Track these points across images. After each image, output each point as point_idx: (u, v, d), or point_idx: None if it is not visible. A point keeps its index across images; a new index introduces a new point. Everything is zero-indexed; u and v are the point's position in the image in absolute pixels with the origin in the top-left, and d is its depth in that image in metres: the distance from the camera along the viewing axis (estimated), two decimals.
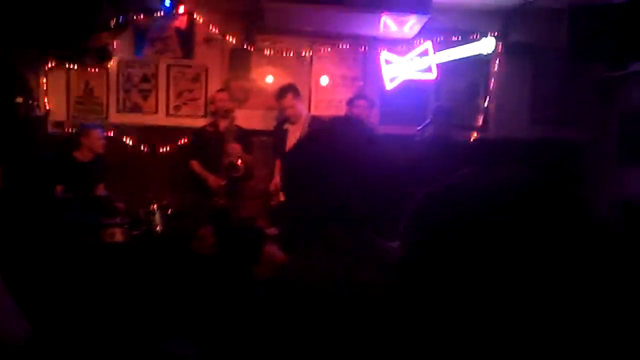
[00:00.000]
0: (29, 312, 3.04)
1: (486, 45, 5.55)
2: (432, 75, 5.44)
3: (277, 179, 5.04)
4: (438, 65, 5.43)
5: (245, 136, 5.14)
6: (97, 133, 4.86)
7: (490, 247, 0.63)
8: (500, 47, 5.68)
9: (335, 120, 2.24)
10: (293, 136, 5.00)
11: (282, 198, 4.99)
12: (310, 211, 1.44)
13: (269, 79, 5.61)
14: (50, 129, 5.30)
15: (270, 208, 5.10)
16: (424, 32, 5.21)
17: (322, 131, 1.56)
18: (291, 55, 5.59)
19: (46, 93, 5.37)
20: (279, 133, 5.13)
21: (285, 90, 4.99)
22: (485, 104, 5.79)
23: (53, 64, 5.31)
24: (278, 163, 5.13)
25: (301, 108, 5.07)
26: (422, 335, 0.68)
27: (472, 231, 0.64)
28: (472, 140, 5.77)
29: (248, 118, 5.42)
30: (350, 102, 5.14)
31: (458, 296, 0.64)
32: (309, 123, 5.01)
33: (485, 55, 5.64)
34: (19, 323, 2.96)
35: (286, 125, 5.07)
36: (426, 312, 0.68)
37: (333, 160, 1.40)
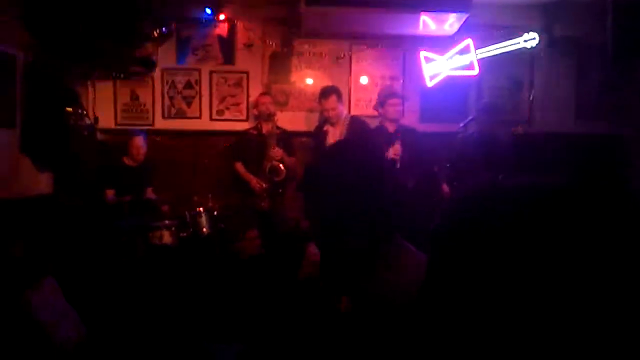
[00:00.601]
0: (82, 314, 3.18)
1: (529, 40, 5.44)
2: (474, 72, 5.36)
3: None
4: (479, 61, 5.36)
5: (287, 138, 5.22)
6: (138, 140, 5.00)
7: (517, 251, 0.63)
8: (543, 41, 5.56)
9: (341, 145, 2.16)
10: (332, 137, 5.02)
11: None
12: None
13: (309, 80, 5.67)
14: (99, 136, 5.50)
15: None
16: (465, 29, 5.15)
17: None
18: (330, 57, 5.62)
19: (94, 102, 5.58)
20: (319, 134, 5.18)
21: (328, 92, 5.00)
22: (530, 99, 5.68)
23: (100, 74, 5.51)
24: None
25: (342, 109, 5.09)
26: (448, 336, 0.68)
27: (502, 235, 0.65)
28: (517, 135, 5.67)
29: (289, 120, 5.50)
30: (380, 102, 5.00)
31: (487, 297, 0.64)
32: (349, 123, 5.02)
33: (529, 50, 5.54)
34: (75, 325, 3.10)
35: (326, 127, 5.10)
36: (454, 312, 0.68)
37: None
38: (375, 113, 5.46)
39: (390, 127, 4.83)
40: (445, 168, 4.65)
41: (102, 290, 3.67)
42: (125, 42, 4.19)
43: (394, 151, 4.60)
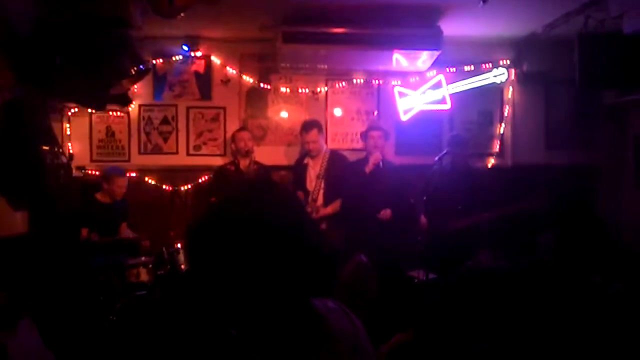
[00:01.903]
0: (59, 356, 3.10)
1: (499, 74, 5.64)
2: (446, 106, 5.52)
3: None
4: (452, 96, 5.51)
5: (264, 172, 5.24)
6: (120, 180, 4.96)
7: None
8: (513, 75, 5.76)
9: None
10: (313, 170, 5.10)
11: None
12: None
13: (285, 115, 5.73)
14: (74, 172, 5.44)
15: None
16: (437, 64, 5.30)
17: None
18: (306, 91, 5.71)
19: (69, 138, 5.54)
20: (299, 167, 5.23)
21: (310, 126, 5.08)
22: (501, 132, 5.84)
23: (76, 110, 5.49)
24: (300, 196, 5.22)
25: (322, 143, 5.16)
26: None
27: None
28: (489, 167, 5.81)
29: (267, 154, 5.54)
30: (364, 134, 5.21)
31: None
32: (329, 157, 5.09)
33: (499, 84, 5.72)
34: (45, 356, 3.01)
35: (307, 160, 5.16)
36: None
37: None
38: (353, 146, 5.58)
39: (369, 168, 4.94)
40: (422, 201, 4.73)
41: (80, 331, 3.60)
42: (104, 78, 4.19)
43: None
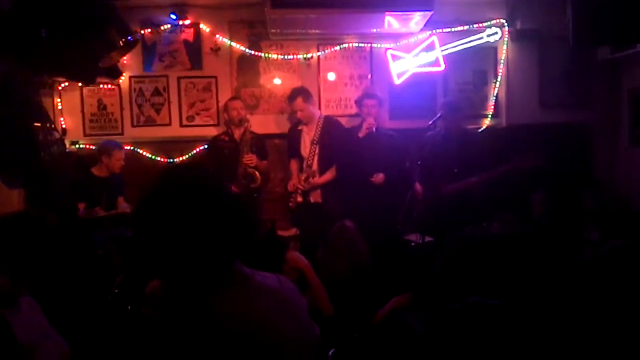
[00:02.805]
0: (63, 332, 3.15)
1: (492, 33, 5.57)
2: (440, 68, 5.47)
3: (294, 179, 5.12)
4: (445, 57, 5.46)
5: (259, 142, 5.22)
6: (118, 153, 4.96)
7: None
8: (506, 34, 5.69)
9: None
10: (307, 136, 5.10)
11: (299, 199, 5.05)
12: None
13: (278, 82, 5.67)
14: (68, 148, 5.42)
15: (289, 209, 5.19)
16: (429, 25, 5.23)
17: None
18: (298, 58, 5.64)
19: (61, 113, 5.50)
20: (293, 134, 5.22)
21: (294, 95, 5.06)
22: (495, 92, 5.80)
23: (66, 85, 5.43)
24: (293, 163, 5.23)
25: (312, 110, 5.13)
26: None
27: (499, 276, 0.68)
28: (484, 128, 5.80)
29: (261, 123, 5.51)
30: (358, 102, 5.19)
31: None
32: (323, 123, 5.07)
33: (492, 44, 5.66)
34: (56, 345, 3.07)
35: (300, 126, 5.15)
36: None
37: None
38: (346, 112, 5.55)
39: (362, 133, 4.93)
40: (416, 166, 4.73)
41: (81, 306, 3.64)
42: (91, 51, 4.12)
43: (377, 179, 4.87)
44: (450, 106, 4.95)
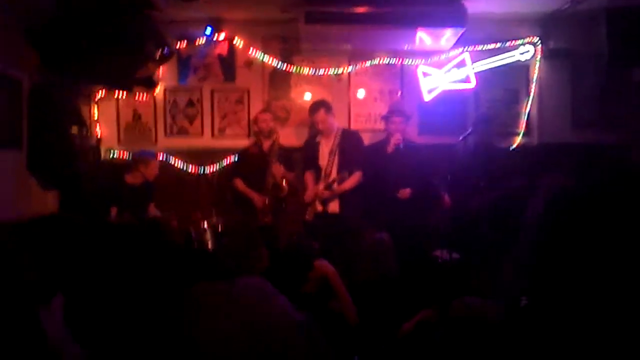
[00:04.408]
0: (88, 338, 3.19)
1: (524, 52, 5.55)
2: (471, 85, 5.46)
3: (310, 190, 5.09)
4: (477, 74, 5.45)
5: (287, 154, 5.27)
6: (155, 163, 5.10)
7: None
8: (539, 52, 5.66)
9: None
10: (326, 147, 5.09)
11: (319, 207, 5.03)
12: None
13: (308, 96, 5.73)
14: (103, 155, 5.57)
15: (306, 222, 5.10)
16: (461, 42, 5.24)
17: None
18: (328, 72, 5.70)
19: (97, 122, 5.65)
20: (311, 146, 5.21)
21: (317, 106, 5.08)
22: (527, 110, 5.75)
23: (103, 94, 5.60)
24: (309, 175, 5.17)
25: (332, 121, 5.13)
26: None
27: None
28: (515, 146, 5.75)
29: (290, 135, 5.58)
30: (386, 118, 5.18)
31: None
32: (341, 135, 5.09)
33: (524, 62, 5.64)
34: (72, 348, 3.09)
35: (318, 138, 5.17)
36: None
37: None
38: (376, 127, 5.57)
39: (390, 148, 4.94)
40: (445, 179, 4.72)
41: (111, 311, 3.69)
42: (129, 62, 4.26)
43: (403, 194, 4.86)
44: (481, 119, 4.94)
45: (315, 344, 1.98)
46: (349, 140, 5.08)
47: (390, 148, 4.93)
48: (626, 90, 5.61)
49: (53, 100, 4.11)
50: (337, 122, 5.25)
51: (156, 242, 4.50)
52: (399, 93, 5.75)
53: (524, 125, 5.76)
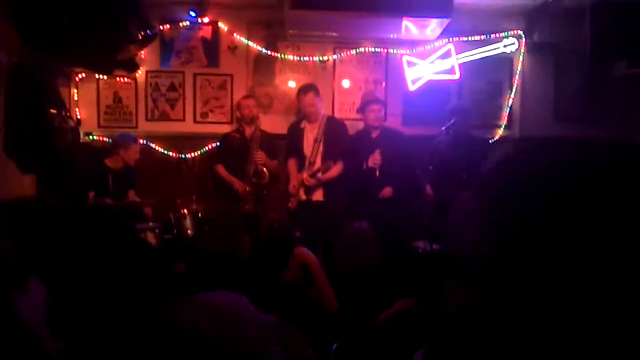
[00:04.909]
0: (67, 321, 3.16)
1: (509, 44, 5.57)
2: (455, 76, 5.47)
3: (293, 180, 5.06)
4: (460, 66, 5.46)
5: (270, 141, 5.23)
6: (135, 147, 5.02)
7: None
8: (523, 45, 5.69)
9: None
10: (310, 134, 5.05)
11: (303, 196, 5.00)
12: None
13: (292, 84, 5.69)
14: (81, 138, 5.47)
15: (289, 210, 5.09)
16: (446, 33, 5.24)
17: None
18: (313, 60, 5.67)
19: (77, 104, 5.55)
20: (295, 131, 5.16)
21: (307, 88, 5.05)
22: (509, 103, 5.79)
23: (83, 76, 5.49)
24: (292, 163, 5.14)
25: (320, 106, 5.09)
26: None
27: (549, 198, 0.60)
28: (496, 138, 5.78)
29: (273, 123, 5.53)
30: (362, 108, 5.13)
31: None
32: (326, 123, 5.06)
33: (508, 54, 5.66)
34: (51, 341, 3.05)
35: (303, 124, 5.13)
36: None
37: None
38: (359, 116, 5.55)
39: (374, 133, 4.95)
40: (428, 171, 4.73)
41: (87, 294, 3.65)
42: (111, 42, 4.17)
43: (373, 160, 4.75)
44: (460, 109, 4.94)
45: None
46: (334, 128, 5.06)
47: (375, 134, 4.96)
48: (607, 85, 5.69)
49: (32, 80, 4.02)
50: (324, 109, 5.23)
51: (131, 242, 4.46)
52: (383, 84, 5.74)
53: (505, 118, 5.80)
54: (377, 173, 4.81)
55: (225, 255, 3.42)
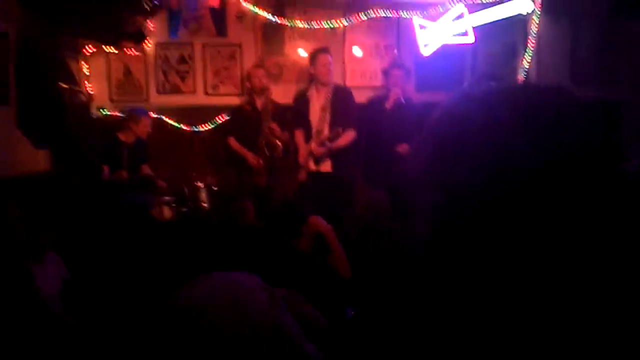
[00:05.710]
0: (87, 295, 3.20)
1: (523, 4, 5.41)
2: (469, 39, 5.33)
3: (302, 150, 4.96)
4: (474, 28, 5.33)
5: (281, 112, 5.14)
6: (146, 120, 5.02)
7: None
8: (538, 6, 5.52)
9: None
10: (317, 102, 4.92)
11: (312, 167, 4.90)
12: None
13: (302, 52, 5.60)
14: (93, 113, 5.47)
15: (299, 182, 4.97)
16: None
17: None
18: (323, 26, 5.55)
19: (88, 78, 5.53)
20: (301, 100, 5.02)
21: (323, 51, 4.93)
22: (525, 65, 5.66)
23: (93, 49, 5.45)
24: (299, 134, 5.01)
25: (333, 72, 4.98)
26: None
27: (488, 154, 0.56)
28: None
29: (283, 93, 5.44)
30: (385, 72, 5.11)
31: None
32: (333, 89, 4.94)
33: (523, 16, 5.50)
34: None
35: (309, 92, 5.00)
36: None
37: None
38: (371, 84, 5.47)
39: (389, 104, 4.88)
40: None
41: (104, 268, 3.69)
42: (117, 13, 4.13)
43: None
44: (486, 76, 4.86)
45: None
46: (341, 96, 4.93)
47: (389, 104, 4.86)
48: (626, 44, 5.51)
49: (41, 54, 3.99)
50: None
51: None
52: (395, 51, 5.63)
53: (521, 80, 5.67)
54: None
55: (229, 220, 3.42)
